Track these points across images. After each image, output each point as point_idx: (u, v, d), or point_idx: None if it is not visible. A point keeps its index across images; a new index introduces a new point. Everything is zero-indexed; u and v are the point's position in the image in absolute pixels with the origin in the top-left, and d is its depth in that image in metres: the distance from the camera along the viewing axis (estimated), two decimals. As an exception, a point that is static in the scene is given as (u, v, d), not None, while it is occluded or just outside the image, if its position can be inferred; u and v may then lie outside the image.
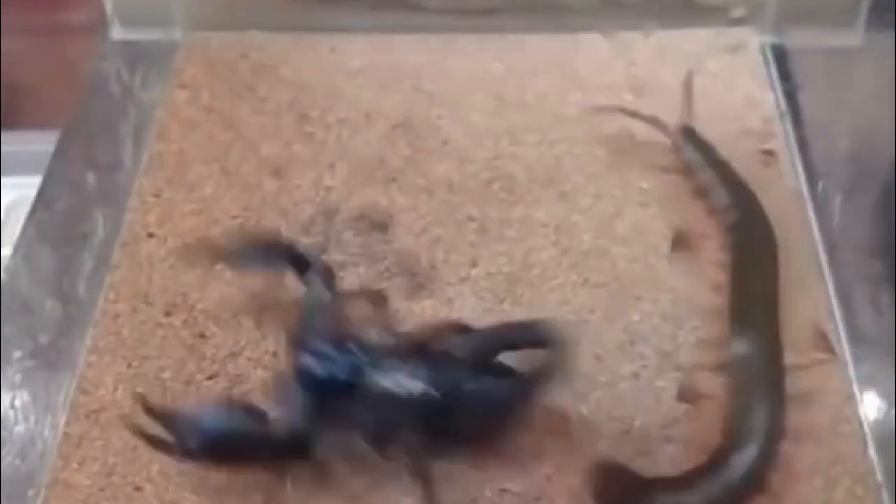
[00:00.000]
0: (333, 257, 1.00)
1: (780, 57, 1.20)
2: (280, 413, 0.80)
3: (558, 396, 0.87)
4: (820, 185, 1.07)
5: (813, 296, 0.96)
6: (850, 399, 0.89)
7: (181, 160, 1.09)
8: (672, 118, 1.11)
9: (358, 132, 1.12)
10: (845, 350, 0.93)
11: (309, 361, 0.80)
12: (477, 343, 0.84)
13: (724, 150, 1.06)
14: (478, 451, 0.83)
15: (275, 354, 0.93)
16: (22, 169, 1.15)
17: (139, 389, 0.89)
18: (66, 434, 0.88)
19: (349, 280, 0.98)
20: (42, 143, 1.13)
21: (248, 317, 0.96)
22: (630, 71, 1.18)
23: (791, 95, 1.16)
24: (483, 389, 0.79)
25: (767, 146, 1.07)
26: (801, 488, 0.84)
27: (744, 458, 0.82)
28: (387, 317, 0.92)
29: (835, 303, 0.96)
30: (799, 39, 1.21)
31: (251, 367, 0.92)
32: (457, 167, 1.09)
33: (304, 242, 0.99)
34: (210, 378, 0.92)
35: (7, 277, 1.01)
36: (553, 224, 1.03)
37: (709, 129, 1.10)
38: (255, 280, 0.98)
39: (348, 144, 1.11)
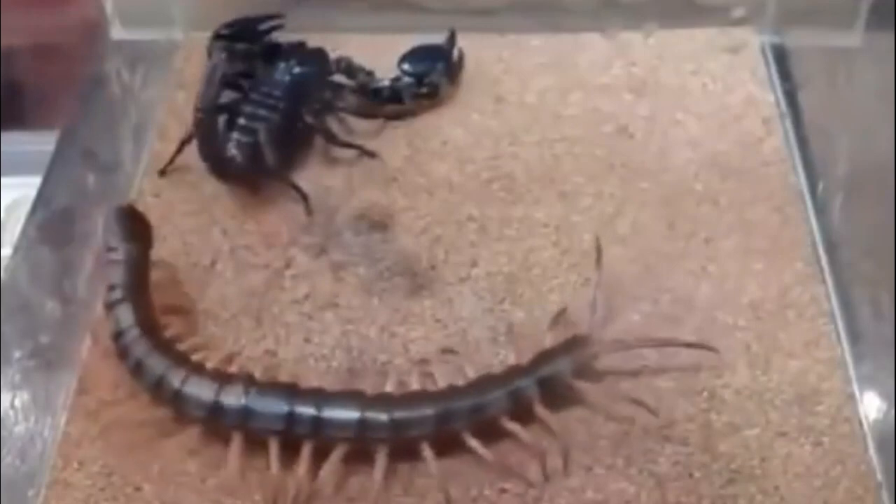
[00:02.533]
0: (333, 257, 1.00)
1: (780, 57, 1.20)
2: None
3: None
4: (820, 186, 1.07)
5: (813, 296, 0.96)
6: (850, 399, 0.89)
7: (181, 160, 1.09)
8: (670, 117, 1.12)
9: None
10: (845, 350, 0.93)
11: None
12: None
13: (722, 147, 1.07)
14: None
15: (274, 354, 0.93)
16: (22, 169, 1.15)
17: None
18: (66, 434, 0.88)
19: (349, 280, 0.98)
20: (42, 143, 1.13)
21: (248, 317, 0.96)
22: (630, 71, 1.18)
23: (791, 95, 1.16)
24: None
25: (767, 146, 1.07)
26: (801, 488, 0.84)
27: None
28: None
29: (835, 303, 0.96)
30: (799, 39, 1.21)
31: (251, 367, 0.92)
32: (457, 167, 1.09)
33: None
34: (210, 378, 0.91)
35: (7, 277, 1.01)
36: (553, 224, 1.03)
37: (710, 129, 1.10)
38: (255, 280, 0.98)
39: (348, 144, 1.11)
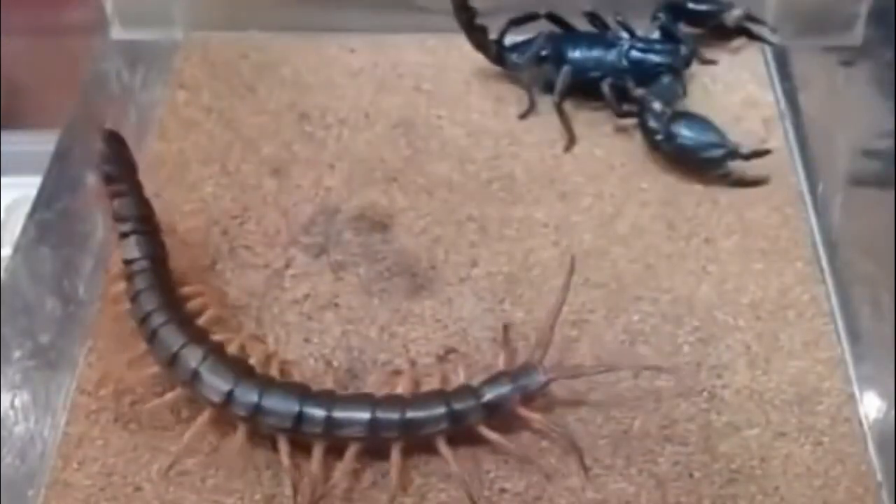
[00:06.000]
0: (333, 257, 1.00)
1: (780, 57, 1.20)
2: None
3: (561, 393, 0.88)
4: (820, 186, 1.07)
5: (813, 296, 0.96)
6: (850, 399, 0.89)
7: (181, 160, 1.09)
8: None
9: (358, 132, 1.12)
10: (845, 350, 0.93)
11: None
12: None
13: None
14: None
15: (274, 353, 0.93)
16: (22, 169, 1.15)
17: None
18: (66, 434, 0.88)
19: (349, 280, 0.98)
20: (42, 143, 1.13)
21: (247, 317, 0.96)
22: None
23: (791, 95, 1.16)
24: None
25: (767, 146, 1.07)
26: (801, 488, 0.84)
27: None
28: None
29: (835, 303, 0.96)
30: (799, 39, 1.21)
31: (251, 367, 0.92)
32: (457, 167, 1.09)
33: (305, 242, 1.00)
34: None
35: (7, 277, 1.01)
36: (553, 224, 1.03)
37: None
38: (255, 280, 0.98)
39: (348, 144, 1.11)
